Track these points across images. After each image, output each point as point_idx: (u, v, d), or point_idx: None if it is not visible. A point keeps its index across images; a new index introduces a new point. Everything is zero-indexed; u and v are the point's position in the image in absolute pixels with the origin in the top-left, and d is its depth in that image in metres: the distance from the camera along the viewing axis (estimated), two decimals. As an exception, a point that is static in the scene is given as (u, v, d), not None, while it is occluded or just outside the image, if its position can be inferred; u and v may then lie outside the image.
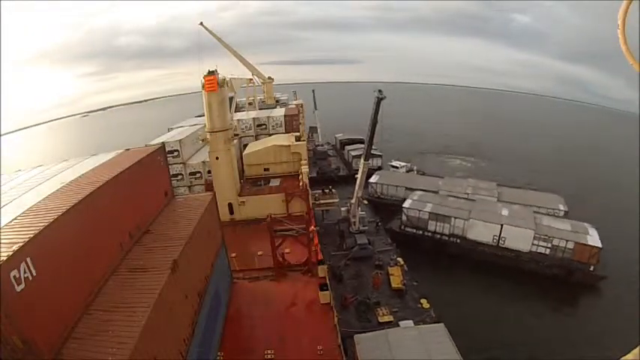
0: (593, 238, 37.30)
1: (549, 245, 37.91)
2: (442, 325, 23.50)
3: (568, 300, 35.84)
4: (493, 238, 40.10)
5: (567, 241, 37.25)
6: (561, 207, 47.11)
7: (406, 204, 45.30)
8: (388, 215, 49.04)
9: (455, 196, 49.19)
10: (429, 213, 43.31)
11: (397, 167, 67.55)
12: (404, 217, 44.79)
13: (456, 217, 42.06)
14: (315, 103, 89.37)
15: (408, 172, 66.58)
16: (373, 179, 55.71)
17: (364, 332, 25.77)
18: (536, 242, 38.35)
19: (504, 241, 39.63)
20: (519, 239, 38.96)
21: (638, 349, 4.41)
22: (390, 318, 28.86)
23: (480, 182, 55.50)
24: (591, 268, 36.45)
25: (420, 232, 44.01)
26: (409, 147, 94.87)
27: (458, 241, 42.03)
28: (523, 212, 43.35)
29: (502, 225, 39.69)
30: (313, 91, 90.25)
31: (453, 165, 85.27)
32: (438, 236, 43.15)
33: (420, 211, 43.90)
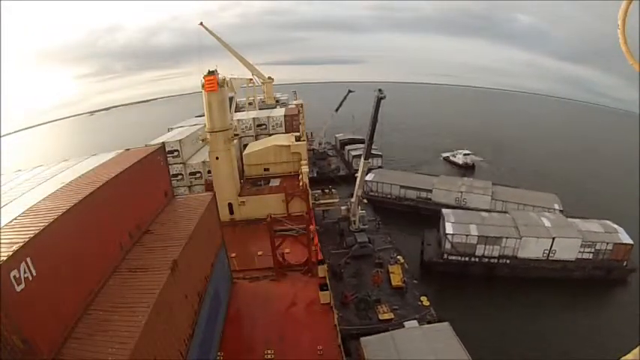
0: (625, 236, 38.84)
1: (592, 250, 38.41)
2: (447, 324, 23.42)
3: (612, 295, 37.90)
4: (543, 253, 39.10)
5: (607, 243, 38.20)
6: (556, 206, 47.17)
7: (449, 229, 40.01)
8: (386, 213, 49.13)
9: (485, 210, 46.82)
10: (478, 236, 39.44)
11: (461, 154, 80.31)
12: (447, 245, 39.98)
13: (507, 237, 39.15)
14: (341, 104, 73.78)
15: (467, 156, 79.56)
16: (369, 177, 56.07)
17: (364, 329, 25.77)
18: (581, 249, 38.50)
19: (554, 253, 38.96)
20: (568, 249, 38.74)
21: (638, 349, 4.40)
22: (391, 315, 28.93)
23: (474, 181, 55.56)
24: (625, 264, 38.40)
25: (467, 258, 40.00)
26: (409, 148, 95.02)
27: (508, 261, 39.51)
28: (559, 219, 42.79)
29: (554, 238, 38.74)
30: (349, 91, 69.68)
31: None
32: (486, 260, 39.72)
33: (467, 235, 39.60)
